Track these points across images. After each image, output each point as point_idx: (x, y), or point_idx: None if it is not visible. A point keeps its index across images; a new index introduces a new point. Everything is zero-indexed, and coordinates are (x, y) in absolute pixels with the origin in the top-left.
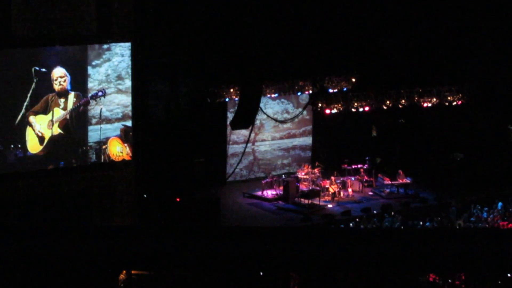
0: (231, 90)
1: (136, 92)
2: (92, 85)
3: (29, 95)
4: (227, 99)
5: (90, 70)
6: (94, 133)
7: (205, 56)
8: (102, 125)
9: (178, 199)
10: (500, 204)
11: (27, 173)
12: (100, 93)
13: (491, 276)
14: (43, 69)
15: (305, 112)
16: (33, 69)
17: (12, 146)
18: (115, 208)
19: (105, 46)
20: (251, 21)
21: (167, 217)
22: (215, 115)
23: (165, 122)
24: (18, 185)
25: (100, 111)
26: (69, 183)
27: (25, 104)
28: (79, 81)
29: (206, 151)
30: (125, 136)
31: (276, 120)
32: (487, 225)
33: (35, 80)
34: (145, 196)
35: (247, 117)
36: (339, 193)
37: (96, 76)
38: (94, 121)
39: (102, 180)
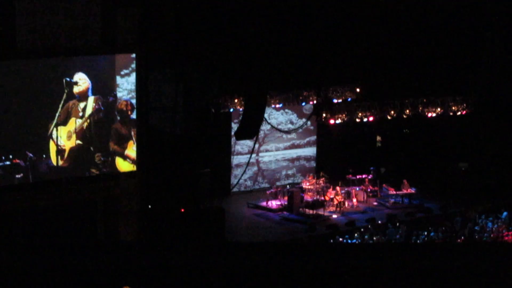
0: (236, 100)
1: (141, 103)
2: (121, 94)
3: (60, 105)
4: (231, 110)
5: (118, 79)
6: None
7: (209, 66)
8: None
9: (182, 210)
10: (505, 214)
11: (32, 184)
12: (111, 99)
13: None
14: (74, 80)
15: (309, 122)
16: (64, 80)
17: (44, 156)
18: (119, 218)
19: (133, 55)
20: (255, 31)
21: (172, 228)
22: (220, 126)
23: (170, 132)
24: (28, 195)
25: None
26: (75, 193)
27: (57, 114)
28: (107, 91)
29: (210, 162)
30: None
31: (280, 130)
32: (492, 235)
33: (66, 91)
34: (149, 206)
35: (251, 127)
36: (344, 203)
37: (125, 85)
38: None
39: (107, 191)
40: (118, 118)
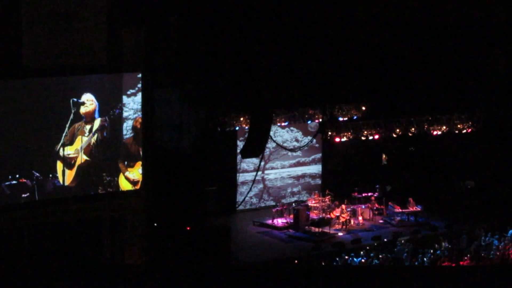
0: (241, 118)
1: (147, 121)
2: (128, 114)
3: (67, 125)
4: (237, 128)
5: (125, 99)
6: None
7: (215, 84)
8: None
9: (188, 228)
10: (510, 231)
11: (38, 202)
12: (117, 111)
13: None
14: (81, 100)
15: (314, 140)
16: (71, 100)
17: (50, 175)
18: (125, 236)
19: (140, 75)
20: (261, 50)
21: (178, 246)
22: (225, 144)
23: (176, 150)
24: (34, 214)
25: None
26: (81, 211)
27: (64, 134)
28: (113, 110)
29: (216, 180)
30: None
31: (285, 148)
32: (498, 253)
33: (73, 111)
34: (155, 224)
35: (257, 145)
36: (350, 221)
37: (131, 105)
38: None
39: (113, 209)
40: (132, 134)
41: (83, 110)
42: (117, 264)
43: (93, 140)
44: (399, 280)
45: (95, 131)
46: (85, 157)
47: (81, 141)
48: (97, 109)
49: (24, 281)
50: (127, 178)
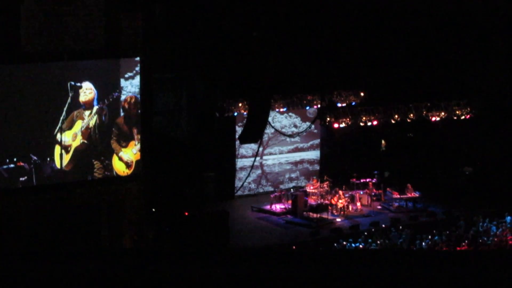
0: (240, 104)
1: (145, 106)
2: (125, 97)
3: (65, 109)
4: (235, 113)
5: (122, 82)
6: None
7: (213, 70)
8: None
9: (186, 213)
10: (508, 218)
11: (36, 187)
12: (115, 94)
13: None
14: (78, 84)
15: (313, 126)
16: (68, 84)
17: (48, 159)
18: (123, 222)
19: (137, 58)
20: (260, 35)
21: (176, 231)
22: (224, 129)
23: (174, 136)
24: (31, 198)
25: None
26: (79, 196)
27: (61, 118)
28: (112, 94)
29: (214, 165)
30: None
31: (284, 134)
32: (495, 239)
33: (70, 95)
34: (153, 210)
35: (255, 131)
36: (348, 207)
37: (129, 88)
38: None
39: (110, 194)
40: (122, 114)
41: (82, 98)
42: (115, 248)
43: (91, 123)
44: (397, 263)
45: (94, 114)
46: (83, 141)
47: (80, 125)
48: (96, 97)
49: (21, 265)
50: (120, 159)
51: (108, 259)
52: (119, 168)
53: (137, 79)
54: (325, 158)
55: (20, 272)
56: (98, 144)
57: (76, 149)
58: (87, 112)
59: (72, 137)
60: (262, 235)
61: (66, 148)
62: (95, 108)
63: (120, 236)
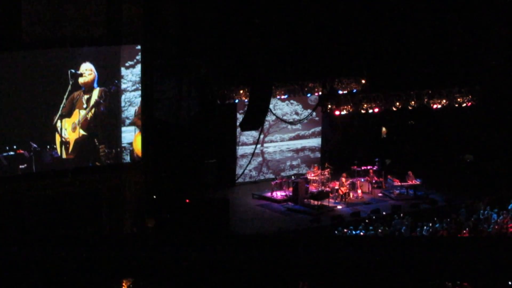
0: (241, 91)
1: (146, 94)
2: (126, 86)
3: (65, 96)
4: (236, 101)
5: (123, 71)
6: (127, 134)
7: (214, 57)
8: (135, 126)
9: (187, 200)
10: (510, 205)
11: (36, 174)
12: (113, 88)
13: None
14: (79, 72)
15: (314, 114)
16: (69, 72)
17: (48, 147)
18: (124, 209)
19: (138, 46)
20: (261, 22)
21: (177, 218)
22: (225, 117)
23: (175, 123)
24: (32, 185)
25: (135, 112)
26: (79, 183)
27: (62, 106)
28: (112, 82)
29: (215, 153)
30: None
31: (285, 121)
32: (496, 227)
33: (71, 83)
34: (154, 197)
35: (256, 118)
36: (349, 194)
37: (130, 77)
38: (127, 122)
39: (112, 181)
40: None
41: (81, 80)
42: (115, 234)
43: (90, 114)
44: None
45: (92, 106)
46: (82, 132)
47: (78, 115)
48: (96, 79)
49: (21, 252)
50: None
51: (109, 244)
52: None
53: (138, 68)
54: (326, 145)
55: (19, 257)
56: (99, 134)
57: (76, 140)
58: (86, 96)
59: (71, 128)
60: (263, 222)
61: (66, 140)
62: (95, 91)
63: (120, 223)
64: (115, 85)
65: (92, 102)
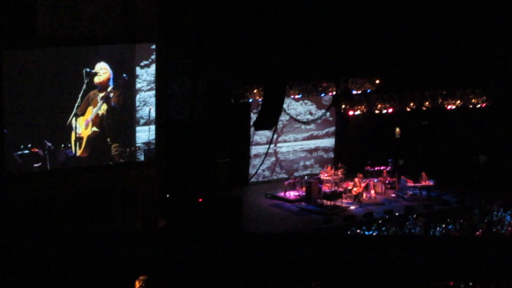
0: (255, 90)
1: (160, 93)
2: (141, 85)
3: (80, 95)
4: (250, 100)
5: (138, 70)
6: (142, 134)
7: (229, 56)
8: (151, 126)
9: (200, 199)
10: None
11: (50, 172)
12: (127, 87)
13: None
14: (93, 70)
15: (328, 114)
16: (84, 71)
17: (62, 145)
18: (137, 207)
19: (153, 45)
20: (275, 22)
21: (190, 218)
22: (239, 116)
23: (189, 122)
24: (46, 183)
25: (149, 112)
26: (92, 181)
27: (76, 104)
28: (127, 82)
29: (229, 152)
30: None
31: (299, 121)
32: (510, 229)
33: (85, 81)
34: (167, 196)
35: (270, 118)
36: (362, 195)
37: (145, 76)
38: (142, 122)
39: (125, 179)
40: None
41: (97, 79)
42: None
43: (102, 110)
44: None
45: (104, 103)
46: (94, 128)
47: (91, 112)
48: (111, 77)
49: (34, 250)
50: None
51: (121, 241)
52: None
53: (153, 68)
54: (340, 145)
55: (33, 254)
56: (112, 132)
57: (89, 137)
58: (101, 94)
59: (84, 126)
60: (275, 222)
61: (79, 136)
62: (110, 89)
63: (134, 222)
64: (129, 84)
65: (106, 100)
